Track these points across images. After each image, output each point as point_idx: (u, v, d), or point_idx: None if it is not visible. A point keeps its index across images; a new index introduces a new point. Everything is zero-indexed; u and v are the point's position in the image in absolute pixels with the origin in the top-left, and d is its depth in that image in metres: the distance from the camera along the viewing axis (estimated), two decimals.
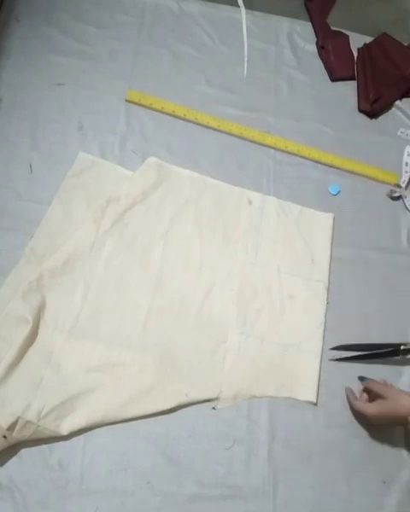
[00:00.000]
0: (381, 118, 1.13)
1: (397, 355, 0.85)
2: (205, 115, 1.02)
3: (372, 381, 0.82)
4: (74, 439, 0.71)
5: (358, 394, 0.82)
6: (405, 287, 0.95)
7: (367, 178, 1.04)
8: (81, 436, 0.72)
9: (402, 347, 0.84)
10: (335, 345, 0.86)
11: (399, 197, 0.96)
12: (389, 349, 0.85)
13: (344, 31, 1.21)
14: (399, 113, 1.13)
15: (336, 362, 0.84)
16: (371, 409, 0.77)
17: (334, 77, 1.15)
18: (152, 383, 0.76)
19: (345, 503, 0.75)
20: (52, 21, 1.05)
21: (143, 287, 0.83)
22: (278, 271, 0.89)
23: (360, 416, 0.80)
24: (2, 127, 0.92)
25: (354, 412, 0.80)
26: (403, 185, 1.04)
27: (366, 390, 0.81)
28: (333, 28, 1.20)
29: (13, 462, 0.69)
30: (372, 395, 0.80)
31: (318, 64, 1.16)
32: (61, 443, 0.71)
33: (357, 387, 0.83)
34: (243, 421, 0.77)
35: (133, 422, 0.74)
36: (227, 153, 1.00)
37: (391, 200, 1.03)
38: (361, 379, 0.83)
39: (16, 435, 0.67)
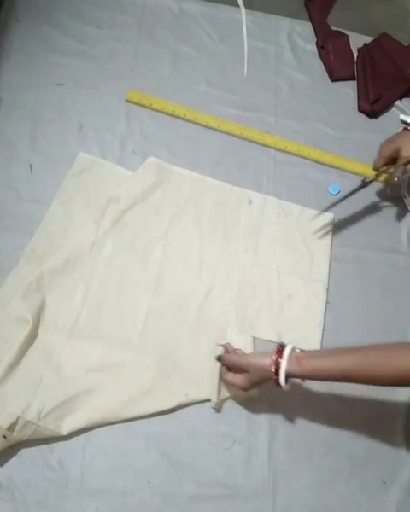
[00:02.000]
0: (381, 118, 1.13)
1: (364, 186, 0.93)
2: (205, 115, 1.02)
3: (228, 355, 0.76)
4: (74, 439, 0.71)
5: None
6: (405, 287, 0.95)
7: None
8: (81, 436, 0.72)
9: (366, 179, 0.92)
10: (334, 345, 0.86)
11: (370, 182, 0.95)
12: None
13: (344, 31, 1.21)
14: (399, 113, 1.13)
15: None
16: (242, 383, 0.72)
17: (334, 77, 1.15)
18: (152, 383, 0.76)
19: (345, 503, 0.76)
20: (52, 21, 1.05)
21: (143, 287, 0.83)
22: (278, 271, 0.89)
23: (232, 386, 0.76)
24: (2, 127, 0.92)
25: (226, 383, 0.76)
26: (403, 185, 1.04)
27: (229, 366, 0.76)
28: (333, 28, 1.20)
29: (13, 462, 0.69)
30: (236, 368, 0.75)
31: (318, 64, 1.17)
32: (61, 443, 0.71)
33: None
34: (243, 421, 0.78)
35: (133, 422, 0.74)
36: (227, 153, 1.00)
37: (390, 200, 1.03)
38: (219, 359, 0.76)
39: (16, 435, 0.67)
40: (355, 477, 0.77)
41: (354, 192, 0.93)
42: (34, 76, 0.98)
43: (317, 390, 0.82)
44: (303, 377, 0.69)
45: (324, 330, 0.86)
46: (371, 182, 0.93)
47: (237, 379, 0.73)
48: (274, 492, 0.74)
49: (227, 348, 0.78)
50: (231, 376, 0.74)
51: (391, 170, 0.92)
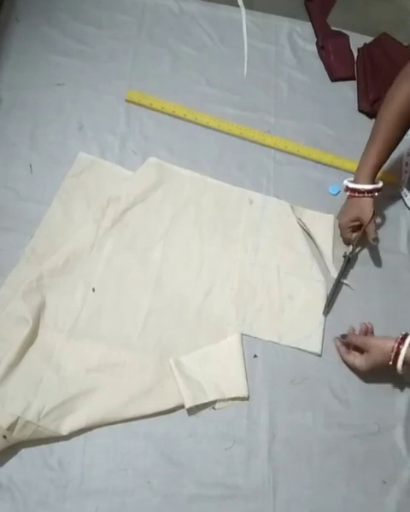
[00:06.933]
0: None
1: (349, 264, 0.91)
2: (205, 115, 1.02)
3: (351, 335, 0.84)
4: (74, 439, 0.71)
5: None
6: (405, 287, 0.95)
7: None
8: (81, 436, 0.72)
9: (348, 254, 0.91)
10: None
11: (351, 256, 0.92)
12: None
13: (344, 31, 1.21)
14: None
15: (337, 362, 0.84)
16: (361, 363, 0.80)
17: (334, 77, 1.15)
18: (152, 383, 0.76)
19: (345, 503, 0.76)
20: (52, 21, 1.05)
21: (143, 286, 0.83)
22: (278, 271, 0.89)
23: (352, 369, 0.83)
24: (2, 127, 0.92)
25: (347, 365, 0.83)
26: (403, 184, 1.04)
27: (350, 346, 0.83)
28: (333, 28, 1.21)
29: (13, 462, 0.69)
30: (358, 349, 0.82)
31: (318, 64, 1.17)
32: (61, 443, 0.71)
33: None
34: (243, 421, 0.77)
35: (133, 422, 0.74)
36: (227, 153, 1.00)
37: (390, 200, 1.03)
38: (343, 336, 0.84)
39: (16, 435, 0.67)
40: (355, 477, 0.77)
41: (343, 271, 0.90)
42: (34, 76, 0.98)
43: (317, 390, 0.82)
44: None
45: (324, 330, 0.86)
46: (352, 255, 0.91)
47: (358, 359, 0.80)
48: (274, 492, 0.74)
49: (351, 331, 0.85)
50: (352, 357, 0.82)
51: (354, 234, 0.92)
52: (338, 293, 0.90)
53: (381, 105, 0.88)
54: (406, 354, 0.75)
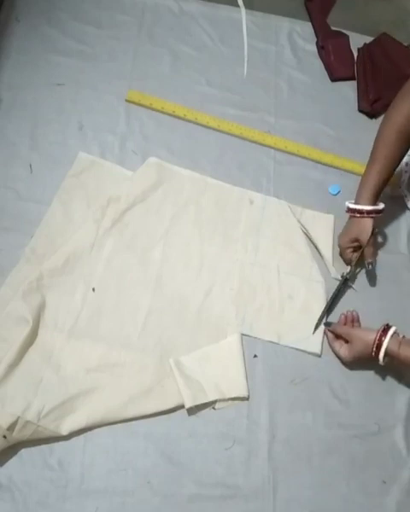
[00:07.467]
0: (381, 118, 1.12)
1: (346, 284, 0.91)
2: (205, 115, 1.02)
3: (336, 324, 0.85)
4: (74, 439, 0.71)
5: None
6: (405, 287, 0.95)
7: None
8: (81, 436, 0.72)
9: (346, 274, 0.90)
10: None
11: (348, 277, 0.90)
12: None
13: (344, 31, 1.21)
14: None
15: (337, 362, 0.84)
16: (345, 353, 0.82)
17: (334, 77, 1.15)
18: (152, 383, 0.76)
19: (345, 503, 0.76)
20: (52, 21, 1.05)
21: (143, 286, 0.83)
22: (278, 271, 0.89)
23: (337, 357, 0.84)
24: (3, 127, 0.92)
25: (333, 352, 0.84)
26: (403, 185, 1.04)
27: (335, 335, 0.84)
28: (333, 28, 1.20)
29: (13, 462, 0.69)
30: (343, 339, 0.83)
31: (318, 64, 1.17)
32: (61, 443, 0.71)
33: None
34: (243, 421, 0.77)
35: (133, 422, 0.74)
36: (227, 153, 1.00)
37: (390, 200, 1.03)
38: (327, 324, 0.85)
39: (16, 435, 0.67)
40: (355, 477, 0.77)
41: (339, 291, 0.89)
42: (34, 76, 0.98)
43: (317, 390, 0.82)
44: (399, 360, 0.76)
45: (324, 330, 0.86)
46: (349, 277, 0.90)
47: (342, 349, 0.82)
48: (274, 492, 0.74)
49: (342, 319, 0.86)
50: (337, 345, 0.83)
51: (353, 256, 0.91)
52: (331, 312, 0.88)
53: (380, 125, 0.88)
54: (388, 346, 0.76)
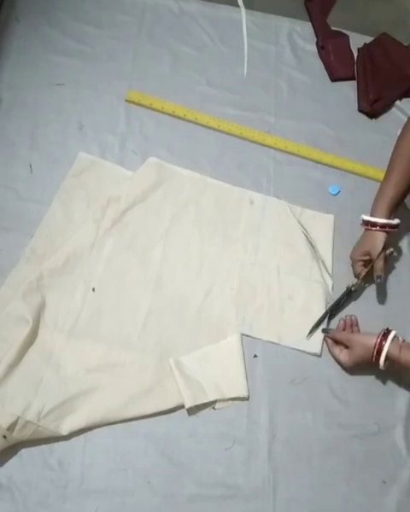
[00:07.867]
0: (381, 118, 1.13)
1: (350, 295, 0.90)
2: (205, 115, 1.02)
3: (334, 331, 0.84)
4: (74, 439, 0.71)
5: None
6: (405, 287, 0.95)
7: (367, 178, 1.04)
8: (81, 436, 0.72)
9: (351, 286, 0.89)
10: None
11: (355, 290, 0.89)
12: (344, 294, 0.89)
13: (344, 31, 1.21)
14: (399, 113, 1.13)
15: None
16: (345, 359, 0.81)
17: (334, 77, 1.15)
18: (152, 383, 0.76)
19: (345, 503, 0.76)
20: (52, 21, 1.05)
21: (143, 286, 0.83)
22: (278, 271, 0.89)
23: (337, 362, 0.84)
24: (3, 127, 0.92)
25: (333, 357, 0.84)
26: None
27: (335, 340, 0.84)
28: (333, 28, 1.20)
29: (13, 462, 0.69)
30: (343, 344, 0.82)
31: (318, 64, 1.17)
32: (61, 443, 0.71)
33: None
34: (243, 421, 0.77)
35: (133, 422, 0.74)
36: (227, 153, 1.00)
37: None
38: (325, 331, 0.85)
39: (16, 435, 0.67)
40: (355, 477, 0.77)
41: (341, 300, 0.88)
42: (34, 76, 0.98)
43: (317, 390, 0.82)
44: (400, 365, 0.76)
45: None
46: (355, 289, 0.89)
47: (342, 354, 0.82)
48: (274, 492, 0.74)
49: (341, 325, 0.86)
50: (337, 350, 0.83)
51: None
52: (332, 318, 0.88)
53: (397, 137, 0.90)
54: (388, 350, 0.76)
